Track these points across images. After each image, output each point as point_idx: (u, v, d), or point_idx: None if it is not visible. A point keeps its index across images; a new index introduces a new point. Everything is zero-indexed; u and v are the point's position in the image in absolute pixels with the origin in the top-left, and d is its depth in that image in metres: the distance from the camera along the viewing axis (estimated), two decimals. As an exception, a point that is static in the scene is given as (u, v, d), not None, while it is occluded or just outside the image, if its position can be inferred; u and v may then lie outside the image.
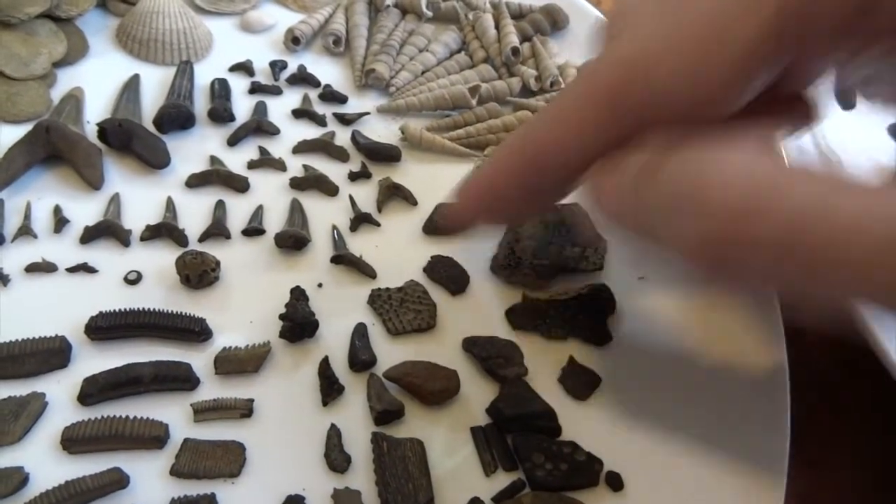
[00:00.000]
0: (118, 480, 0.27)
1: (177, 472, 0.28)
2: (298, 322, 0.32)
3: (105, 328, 0.31)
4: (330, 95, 0.44)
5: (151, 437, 0.29)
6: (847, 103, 0.53)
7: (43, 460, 0.28)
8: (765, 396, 0.33)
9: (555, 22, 0.50)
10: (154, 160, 0.38)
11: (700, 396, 0.33)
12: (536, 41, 0.48)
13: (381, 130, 0.43)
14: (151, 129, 0.40)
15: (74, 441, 0.28)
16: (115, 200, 0.37)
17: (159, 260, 0.35)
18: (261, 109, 0.43)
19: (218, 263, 0.34)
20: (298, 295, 0.34)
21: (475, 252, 0.38)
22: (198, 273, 0.34)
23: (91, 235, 0.35)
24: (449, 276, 0.37)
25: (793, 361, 0.35)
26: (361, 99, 0.45)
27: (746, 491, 0.30)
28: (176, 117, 0.40)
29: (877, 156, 0.50)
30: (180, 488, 0.28)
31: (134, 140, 0.38)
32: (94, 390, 0.29)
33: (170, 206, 0.37)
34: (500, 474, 0.30)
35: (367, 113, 0.44)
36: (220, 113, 0.41)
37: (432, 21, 0.50)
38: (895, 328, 0.33)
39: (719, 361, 0.35)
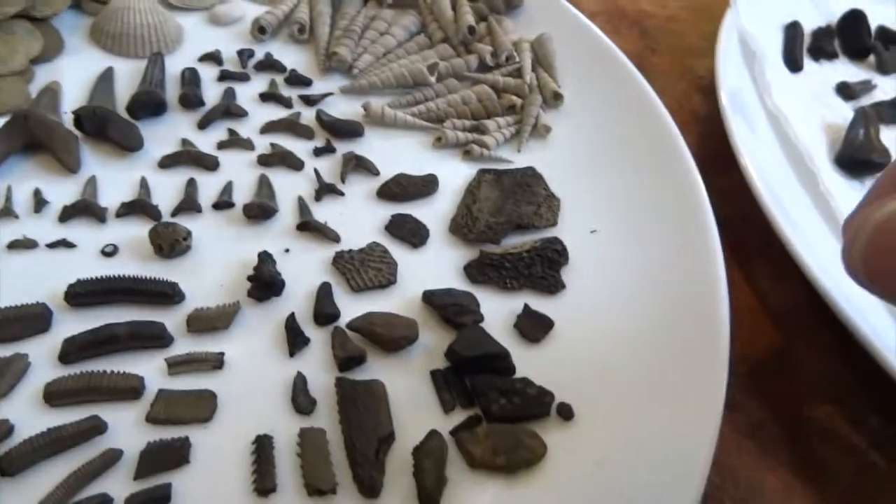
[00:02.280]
0: (96, 427, 0.29)
1: (152, 418, 0.30)
2: (265, 281, 0.34)
3: (83, 294, 0.33)
4: (295, 79, 0.47)
5: (128, 388, 0.31)
6: (795, 65, 0.55)
7: (27, 413, 0.30)
8: (706, 336, 0.35)
9: (509, 1, 0.52)
10: (128, 144, 0.40)
11: (646, 337, 0.35)
12: (492, 20, 0.51)
13: (345, 109, 0.46)
14: (125, 115, 0.42)
15: (55, 395, 0.30)
16: (91, 182, 0.39)
17: (134, 234, 0.37)
18: (229, 94, 0.45)
19: (189, 233, 0.36)
20: (265, 258, 0.36)
21: (434, 214, 0.40)
22: (170, 242, 0.36)
23: (69, 214, 0.37)
24: (410, 230, 0.39)
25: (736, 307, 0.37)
26: (326, 82, 0.47)
27: (686, 412, 0.32)
28: (148, 103, 0.42)
29: (824, 114, 0.52)
30: (156, 433, 0.30)
31: (108, 126, 0.40)
32: (73, 349, 0.31)
33: (143, 184, 0.39)
34: (459, 412, 0.32)
35: (331, 93, 0.46)
36: (191, 98, 0.43)
37: (393, 7, 0.52)
38: None
39: (664, 305, 0.37)
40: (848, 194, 0.46)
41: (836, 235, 0.43)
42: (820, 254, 0.41)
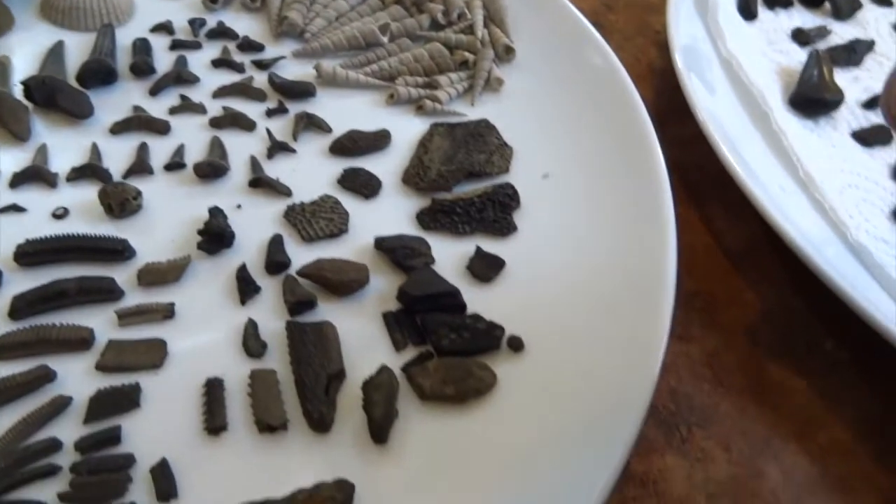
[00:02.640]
0: (45, 375, 0.29)
1: (102, 366, 0.30)
2: (215, 233, 0.35)
3: (32, 253, 0.33)
4: (247, 45, 0.47)
5: (77, 339, 0.31)
6: (749, 13, 0.55)
7: (-22, 368, 0.30)
8: (654, 271, 0.35)
9: (459, -38, 0.52)
10: (78, 111, 0.40)
11: (596, 273, 0.36)
12: (443, -20, 0.51)
13: (298, 72, 0.46)
14: (76, 85, 0.42)
15: (5, 348, 0.30)
16: (42, 149, 0.39)
17: (85, 197, 0.37)
18: (181, 62, 0.45)
19: (139, 193, 0.37)
20: (215, 212, 0.36)
21: (387, 167, 0.41)
22: (119, 201, 0.36)
23: (19, 180, 0.37)
24: (362, 182, 0.39)
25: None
26: (278, 47, 0.48)
27: (633, 341, 0.32)
28: (97, 71, 0.42)
29: (779, 59, 0.52)
30: (107, 381, 0.30)
31: (58, 94, 0.40)
32: (22, 305, 0.32)
33: (94, 150, 0.39)
34: (411, 350, 0.33)
35: (283, 57, 0.46)
36: (141, 66, 0.43)
37: (344, -27, 0.52)
38: None
39: (615, 243, 0.37)
40: (802, 134, 0.46)
41: (790, 173, 0.44)
42: (774, 192, 0.41)
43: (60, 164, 0.39)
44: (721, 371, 0.37)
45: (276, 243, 0.36)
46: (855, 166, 0.44)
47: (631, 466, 0.33)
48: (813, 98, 0.47)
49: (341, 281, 0.34)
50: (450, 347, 0.32)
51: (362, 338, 0.33)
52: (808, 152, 0.44)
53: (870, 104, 0.49)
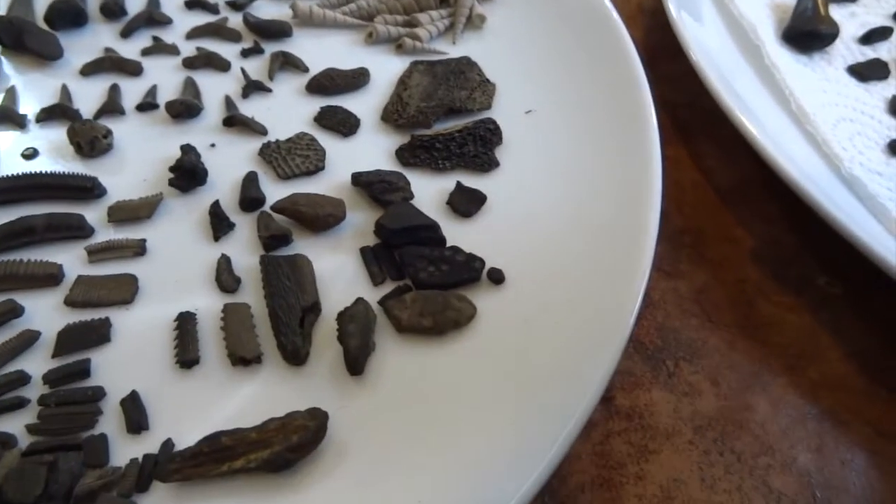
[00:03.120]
0: (12, 309, 0.29)
1: (71, 301, 0.30)
2: (186, 169, 0.34)
3: (0, 191, 0.33)
4: (222, -14, 0.45)
5: (46, 275, 0.30)
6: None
7: (-57, 304, 0.29)
8: (635, 206, 0.33)
9: None
10: (46, 52, 0.39)
11: (579, 206, 0.35)
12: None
13: (274, 13, 0.44)
14: (45, 27, 0.41)
15: (-29, 284, 0.29)
16: (10, 91, 0.38)
17: (55, 138, 0.36)
18: (153, 3, 0.44)
19: (109, 132, 0.36)
20: (187, 149, 0.35)
21: (366, 105, 0.39)
22: (88, 140, 0.35)
23: (-13, 121, 0.36)
24: (339, 120, 0.38)
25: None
26: (255, -12, 0.46)
27: (614, 272, 0.31)
28: (66, 12, 0.41)
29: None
30: (76, 316, 0.29)
31: (24, 35, 0.39)
32: (-11, 242, 0.31)
33: (65, 91, 0.38)
34: (389, 285, 0.32)
35: (259, -3, 0.45)
36: (112, 7, 0.42)
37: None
38: None
39: (599, 178, 0.36)
40: (795, 68, 0.45)
41: (783, 108, 0.42)
42: (767, 127, 0.40)
43: (30, 105, 0.38)
44: (709, 307, 0.36)
45: (250, 180, 0.35)
46: (850, 100, 0.43)
47: (617, 401, 0.32)
48: (807, 31, 0.45)
49: (317, 215, 0.33)
50: (428, 280, 0.31)
51: (340, 273, 0.32)
52: (801, 86, 0.43)
53: (867, 39, 0.47)
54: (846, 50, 0.47)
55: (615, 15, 0.43)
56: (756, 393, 0.33)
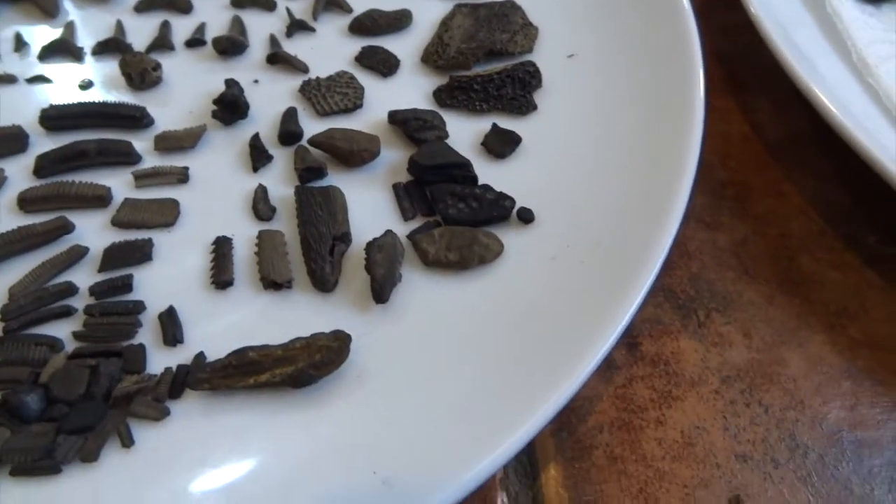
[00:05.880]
0: (64, 226, 0.30)
1: (117, 222, 0.31)
2: (229, 101, 0.35)
3: (56, 117, 0.34)
4: (273, -72, 0.46)
5: (95, 196, 0.32)
6: None
7: (2, 220, 0.31)
8: (672, 155, 0.32)
9: None
10: (104, -11, 0.41)
11: (615, 150, 0.34)
12: None
13: (323, -45, 0.45)
14: (103, -35, 0.42)
15: (28, 201, 0.31)
16: (69, 26, 0.40)
17: (109, 70, 0.38)
18: (206, -56, 0.44)
19: (158, 64, 0.37)
20: (231, 83, 0.36)
21: (407, 47, 0.39)
22: (139, 71, 0.36)
23: (47, 53, 0.38)
24: (380, 60, 0.38)
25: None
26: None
27: (644, 218, 0.30)
28: (123, -49, 0.42)
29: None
30: (121, 236, 0.31)
31: (84, -28, 0.41)
32: (45, 163, 0.33)
33: (119, 26, 0.40)
34: (419, 220, 0.32)
35: (308, -61, 0.45)
36: (166, -53, 0.43)
37: None
38: None
39: (638, 124, 0.35)
40: (860, 19, 0.42)
41: (844, 59, 0.40)
42: (826, 79, 0.38)
43: (87, 39, 0.39)
44: (748, 260, 0.35)
45: (289, 115, 0.35)
46: (920, 52, 0.40)
47: (642, 347, 0.32)
48: (878, -21, 0.43)
49: (351, 150, 0.33)
50: (457, 216, 0.31)
51: (372, 208, 0.33)
52: (867, 38, 0.40)
53: (945, -12, 0.44)
54: (921, 0, 0.44)
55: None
56: (791, 348, 0.32)
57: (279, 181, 0.33)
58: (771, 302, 0.34)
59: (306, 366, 0.26)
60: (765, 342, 0.32)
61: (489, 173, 0.33)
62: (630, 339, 0.32)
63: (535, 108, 0.36)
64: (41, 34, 0.39)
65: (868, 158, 0.33)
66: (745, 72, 0.43)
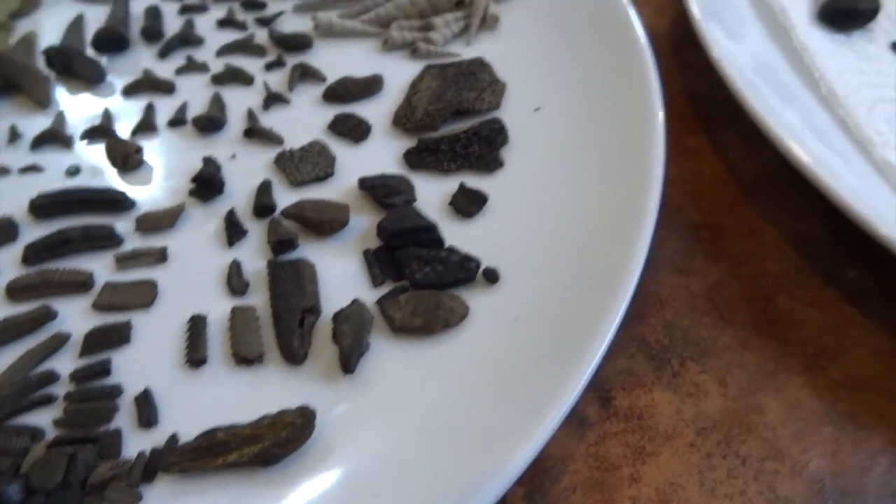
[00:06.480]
0: (47, 314, 0.32)
1: (98, 305, 0.33)
2: (205, 180, 0.36)
3: (44, 206, 0.36)
4: (250, 4, 0.48)
5: (78, 282, 0.33)
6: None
7: (-7, 309, 0.33)
8: (633, 206, 0.33)
9: None
10: (90, 76, 0.43)
11: (579, 205, 0.34)
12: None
13: (300, 27, 0.46)
14: (93, 52, 0.45)
15: (16, 290, 0.33)
16: (60, 115, 0.42)
17: (96, 155, 0.40)
18: (188, 24, 0.47)
19: (140, 148, 0.39)
20: (208, 161, 0.37)
21: (379, 111, 0.41)
22: (122, 155, 0.38)
23: (39, 142, 0.40)
24: (351, 126, 0.39)
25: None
26: (280, 2, 0.48)
27: (606, 272, 0.31)
28: (109, 39, 0.45)
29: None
30: (102, 319, 0.32)
31: (73, 62, 0.43)
32: (32, 252, 0.34)
33: (106, 113, 0.42)
34: (388, 286, 0.33)
35: (283, 12, 0.47)
36: (150, 31, 0.45)
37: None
38: None
39: (601, 177, 0.35)
40: (830, 49, 0.42)
41: (813, 93, 0.40)
42: (791, 119, 0.38)
43: (76, 126, 0.42)
44: (723, 304, 0.35)
45: (263, 188, 0.37)
46: (891, 79, 0.40)
47: (616, 401, 0.32)
48: (844, 8, 0.43)
49: (321, 219, 0.34)
50: (423, 280, 0.32)
51: (343, 275, 0.33)
52: (837, 68, 0.40)
53: (917, 12, 0.44)
54: (892, 25, 0.43)
55: (630, 9, 0.42)
56: (768, 394, 0.32)
57: (254, 254, 0.34)
58: (746, 346, 0.33)
59: (271, 444, 0.26)
60: (741, 389, 0.32)
61: (457, 233, 0.34)
62: (603, 394, 0.32)
63: (501, 164, 0.37)
64: (34, 124, 0.41)
65: (835, 199, 0.33)
66: (715, 110, 0.44)
